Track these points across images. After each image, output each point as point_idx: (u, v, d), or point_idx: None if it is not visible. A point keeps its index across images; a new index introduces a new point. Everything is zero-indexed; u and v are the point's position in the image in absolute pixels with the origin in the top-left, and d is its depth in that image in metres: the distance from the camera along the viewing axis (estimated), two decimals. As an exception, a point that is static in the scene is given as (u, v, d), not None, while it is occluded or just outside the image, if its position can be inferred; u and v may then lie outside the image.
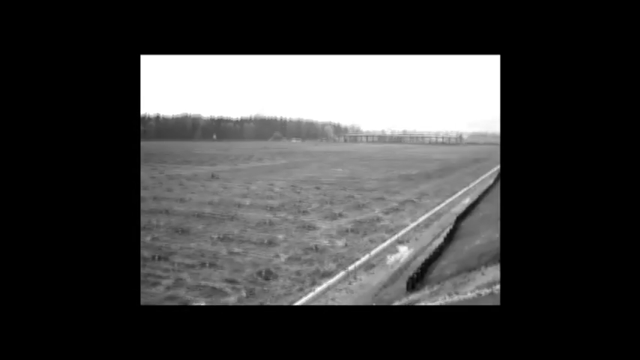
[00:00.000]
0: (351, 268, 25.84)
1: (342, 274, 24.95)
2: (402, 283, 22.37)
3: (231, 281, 24.06)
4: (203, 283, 23.54)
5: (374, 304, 18.79)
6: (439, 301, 18.11)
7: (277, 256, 29.08)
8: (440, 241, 31.38)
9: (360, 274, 25.78)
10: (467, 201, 53.12)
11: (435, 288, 20.41)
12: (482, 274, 20.22)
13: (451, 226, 35.60)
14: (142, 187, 57.89)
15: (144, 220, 37.89)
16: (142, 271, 24.55)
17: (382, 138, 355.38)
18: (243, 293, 21.86)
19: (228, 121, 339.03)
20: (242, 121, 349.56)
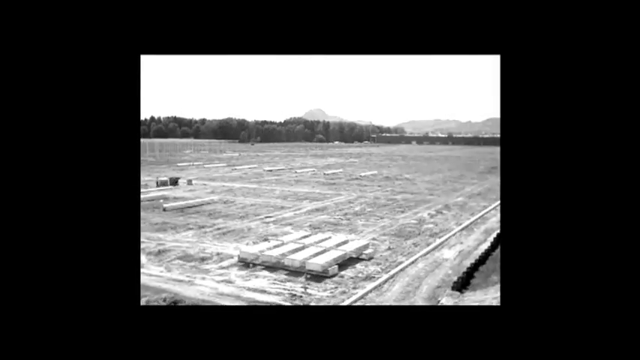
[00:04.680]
0: None
1: None
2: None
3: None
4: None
5: (374, 304, 18.71)
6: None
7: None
8: (487, 245, 31.02)
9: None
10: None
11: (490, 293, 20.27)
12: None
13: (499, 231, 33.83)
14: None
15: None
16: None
17: (427, 139, 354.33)
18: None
19: (271, 123, 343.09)
20: (285, 124, 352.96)
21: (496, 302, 16.25)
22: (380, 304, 19.55)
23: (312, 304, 19.18)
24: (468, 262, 26.36)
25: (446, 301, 19.84)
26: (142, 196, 49.17)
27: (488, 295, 19.91)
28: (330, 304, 18.55)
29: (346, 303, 19.28)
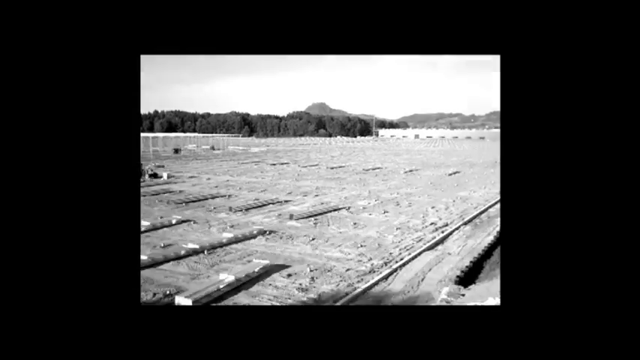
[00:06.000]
0: None
1: None
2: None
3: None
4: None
5: (374, 305, 18.75)
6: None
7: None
8: (491, 238, 31.06)
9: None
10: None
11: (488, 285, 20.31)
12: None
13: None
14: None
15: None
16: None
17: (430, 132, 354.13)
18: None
19: (275, 117, 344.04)
20: (288, 118, 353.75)
21: (498, 295, 16.27)
22: (382, 298, 19.62)
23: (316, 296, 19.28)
24: (472, 257, 26.43)
25: (448, 294, 19.89)
26: (147, 189, 49.55)
27: (491, 289, 19.92)
28: (330, 305, 18.57)
29: (350, 297, 19.36)
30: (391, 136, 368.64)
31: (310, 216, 37.52)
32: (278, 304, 18.46)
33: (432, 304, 18.71)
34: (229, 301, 18.65)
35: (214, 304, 18.40)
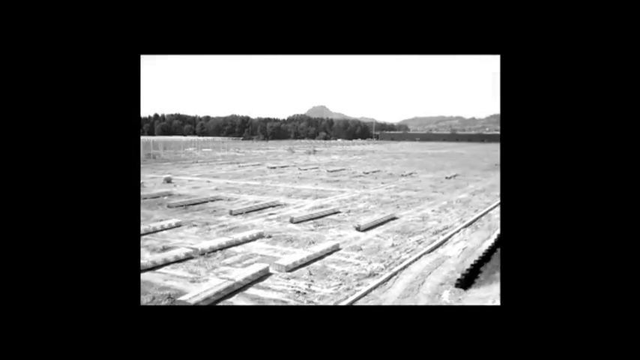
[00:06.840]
0: None
1: None
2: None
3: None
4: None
5: (373, 305, 18.73)
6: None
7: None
8: (491, 242, 31.00)
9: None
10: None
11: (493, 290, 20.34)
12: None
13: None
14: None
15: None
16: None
17: (431, 135, 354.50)
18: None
19: (275, 120, 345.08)
20: (289, 120, 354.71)
21: (498, 297, 16.28)
22: (383, 301, 19.59)
23: (316, 300, 19.25)
24: (472, 260, 26.39)
25: (449, 297, 19.89)
26: (146, 192, 49.57)
27: (492, 292, 19.92)
28: (330, 304, 18.53)
29: (349, 300, 19.32)
30: (391, 139, 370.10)
31: (310, 219, 37.49)
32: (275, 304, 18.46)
33: (432, 304, 18.68)
34: (228, 304, 18.64)
35: (214, 305, 18.35)
